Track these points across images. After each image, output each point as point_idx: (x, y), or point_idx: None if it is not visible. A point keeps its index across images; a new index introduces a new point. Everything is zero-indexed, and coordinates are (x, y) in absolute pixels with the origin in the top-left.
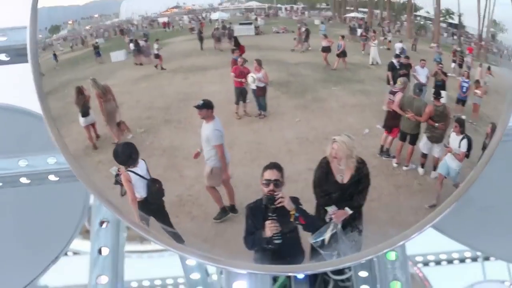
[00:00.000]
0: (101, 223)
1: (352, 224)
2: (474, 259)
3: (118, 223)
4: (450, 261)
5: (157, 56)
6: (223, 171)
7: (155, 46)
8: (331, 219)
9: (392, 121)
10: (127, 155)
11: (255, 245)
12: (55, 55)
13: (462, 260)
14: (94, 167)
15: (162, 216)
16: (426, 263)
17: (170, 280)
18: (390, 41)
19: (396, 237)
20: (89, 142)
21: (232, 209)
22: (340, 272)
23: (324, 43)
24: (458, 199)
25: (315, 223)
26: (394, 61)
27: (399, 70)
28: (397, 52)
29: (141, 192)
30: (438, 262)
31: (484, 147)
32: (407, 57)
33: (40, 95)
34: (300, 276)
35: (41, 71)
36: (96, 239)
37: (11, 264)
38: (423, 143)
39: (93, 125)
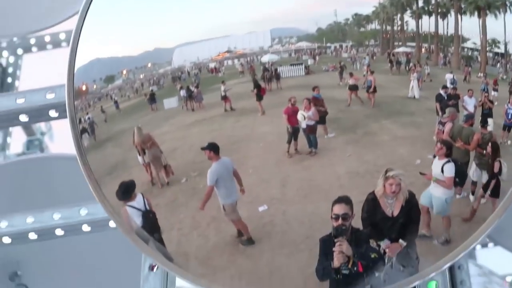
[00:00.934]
0: (151, 267)
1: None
2: None
3: None
4: None
5: (224, 98)
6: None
7: (222, 88)
8: (385, 252)
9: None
10: (122, 192)
11: (324, 276)
12: (116, 102)
13: None
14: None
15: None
16: None
17: None
18: (428, 73)
19: (433, 265)
20: (148, 177)
21: (249, 241)
22: None
23: (351, 81)
24: (502, 214)
25: (376, 267)
26: (442, 92)
27: (447, 100)
28: (448, 82)
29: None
30: None
31: None
32: (454, 88)
33: (79, 152)
34: None
35: (95, 122)
36: (145, 283)
37: None
38: (472, 170)
39: (149, 164)
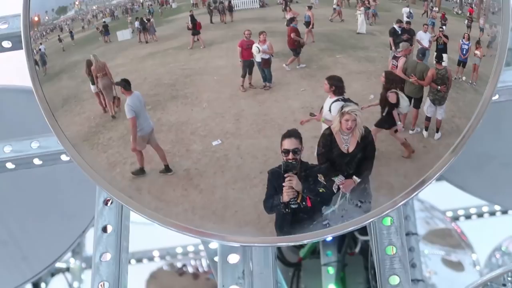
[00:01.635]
0: (106, 201)
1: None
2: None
3: None
4: (492, 213)
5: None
6: (133, 140)
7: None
8: (339, 189)
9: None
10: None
11: (273, 209)
12: (71, 32)
13: (504, 212)
14: (104, 146)
15: None
16: (468, 216)
17: (179, 249)
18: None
19: (389, 202)
20: (100, 107)
21: (167, 169)
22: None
23: (288, 15)
24: (455, 156)
25: (325, 201)
26: (396, 26)
27: (401, 35)
28: (404, 16)
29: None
30: (480, 215)
31: None
32: (408, 22)
33: (34, 82)
34: (328, 238)
35: (46, 54)
36: (100, 217)
37: (45, 236)
38: (426, 106)
39: (102, 92)
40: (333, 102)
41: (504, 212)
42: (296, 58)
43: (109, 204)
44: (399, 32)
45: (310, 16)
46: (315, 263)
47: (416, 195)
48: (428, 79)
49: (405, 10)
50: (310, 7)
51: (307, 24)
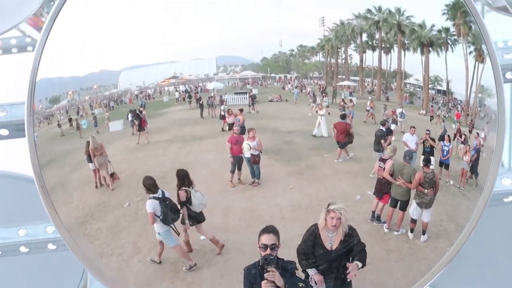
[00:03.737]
0: None
1: None
2: None
3: None
4: None
5: (223, 117)
6: None
7: (222, 107)
8: (315, 282)
9: (382, 188)
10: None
11: None
12: (70, 120)
13: None
14: (90, 236)
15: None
16: None
17: None
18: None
19: None
20: (97, 183)
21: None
22: None
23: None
24: (448, 263)
25: None
26: (383, 128)
27: (386, 135)
28: (399, 116)
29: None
30: None
31: None
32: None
33: (35, 168)
34: None
35: (36, 142)
36: None
37: None
38: (412, 208)
39: (99, 170)
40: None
41: None
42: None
43: None
44: (385, 133)
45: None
46: None
47: None
48: (415, 182)
49: (398, 110)
50: (241, 110)
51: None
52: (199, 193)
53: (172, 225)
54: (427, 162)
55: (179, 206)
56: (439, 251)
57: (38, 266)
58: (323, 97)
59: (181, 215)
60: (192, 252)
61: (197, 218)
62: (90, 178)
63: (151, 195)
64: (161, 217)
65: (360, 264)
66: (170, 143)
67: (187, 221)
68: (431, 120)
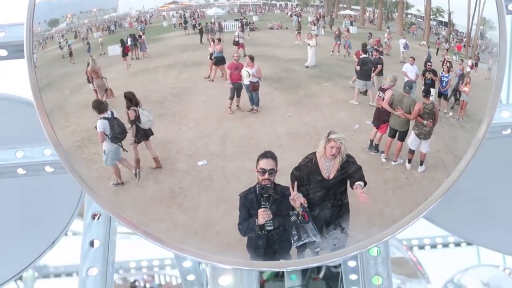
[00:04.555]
0: (94, 216)
1: (335, 222)
2: (470, 243)
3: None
4: (445, 245)
5: (237, 43)
6: None
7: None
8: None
9: (381, 118)
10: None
11: (248, 232)
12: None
13: (457, 244)
14: (88, 160)
15: None
16: (421, 247)
17: (156, 262)
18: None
19: (379, 234)
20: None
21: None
22: None
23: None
24: (443, 195)
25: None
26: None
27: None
28: (401, 47)
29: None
30: (433, 246)
31: None
32: (377, 50)
33: (34, 89)
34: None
35: (35, 64)
36: (88, 232)
37: (13, 247)
38: (411, 139)
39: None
40: None
41: (457, 244)
42: None
43: (96, 218)
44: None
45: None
46: (279, 287)
47: (400, 232)
48: (414, 113)
49: (402, 41)
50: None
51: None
52: (146, 111)
53: (119, 143)
54: (426, 93)
55: (129, 125)
56: (436, 182)
57: (36, 189)
58: (313, 25)
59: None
60: (160, 169)
61: (146, 134)
62: (88, 101)
63: (101, 116)
64: (110, 136)
65: (362, 184)
66: (169, 68)
67: (134, 138)
68: (437, 53)
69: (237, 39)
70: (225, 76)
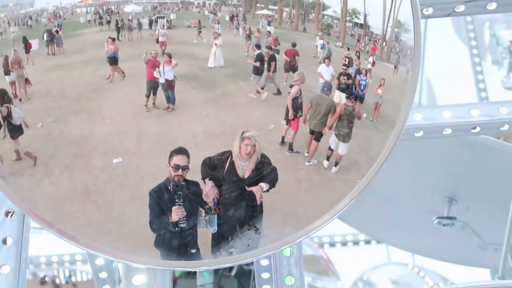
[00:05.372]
0: (7, 213)
1: (249, 222)
2: (380, 242)
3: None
4: (356, 243)
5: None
6: None
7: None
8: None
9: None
10: None
11: (161, 229)
12: None
13: (367, 242)
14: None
15: None
16: (332, 244)
17: (67, 257)
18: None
19: (293, 235)
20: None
21: None
22: None
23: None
24: (356, 196)
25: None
26: (263, 52)
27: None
28: (319, 47)
29: None
30: (344, 243)
31: None
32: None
33: None
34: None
35: None
36: (0, 229)
37: None
38: (332, 138)
39: (14, 82)
40: None
41: (368, 242)
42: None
43: (9, 216)
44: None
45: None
46: (191, 284)
47: (314, 232)
48: (337, 114)
49: (320, 42)
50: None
51: None
52: (18, 108)
53: None
54: (349, 95)
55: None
56: (349, 183)
57: None
58: (217, 23)
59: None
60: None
61: (17, 131)
62: None
63: None
64: None
65: (265, 186)
66: (86, 64)
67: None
68: (358, 56)
69: (159, 37)
70: (122, 76)
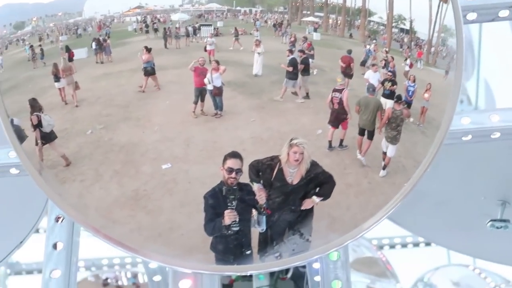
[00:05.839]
0: (57, 218)
1: (294, 227)
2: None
3: None
4: (416, 244)
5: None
6: None
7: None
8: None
9: (339, 117)
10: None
11: (214, 232)
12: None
13: (427, 244)
14: (51, 164)
15: None
16: (392, 246)
17: (128, 259)
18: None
19: (339, 238)
20: (62, 100)
21: None
22: None
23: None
24: (404, 198)
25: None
26: (297, 56)
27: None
28: (365, 53)
29: None
30: (404, 245)
31: None
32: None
33: None
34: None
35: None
36: (51, 234)
37: None
38: (383, 141)
39: (63, 89)
40: None
41: (428, 244)
42: None
43: (59, 221)
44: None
45: None
46: (248, 286)
47: (363, 235)
48: (385, 117)
49: (365, 48)
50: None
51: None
52: (47, 116)
53: None
54: (398, 99)
55: (32, 129)
56: (396, 186)
57: (4, 189)
58: (256, 31)
59: None
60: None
61: (49, 137)
62: (53, 105)
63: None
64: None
65: (317, 200)
66: (133, 73)
67: (39, 141)
68: (405, 60)
69: (207, 46)
70: (158, 86)
